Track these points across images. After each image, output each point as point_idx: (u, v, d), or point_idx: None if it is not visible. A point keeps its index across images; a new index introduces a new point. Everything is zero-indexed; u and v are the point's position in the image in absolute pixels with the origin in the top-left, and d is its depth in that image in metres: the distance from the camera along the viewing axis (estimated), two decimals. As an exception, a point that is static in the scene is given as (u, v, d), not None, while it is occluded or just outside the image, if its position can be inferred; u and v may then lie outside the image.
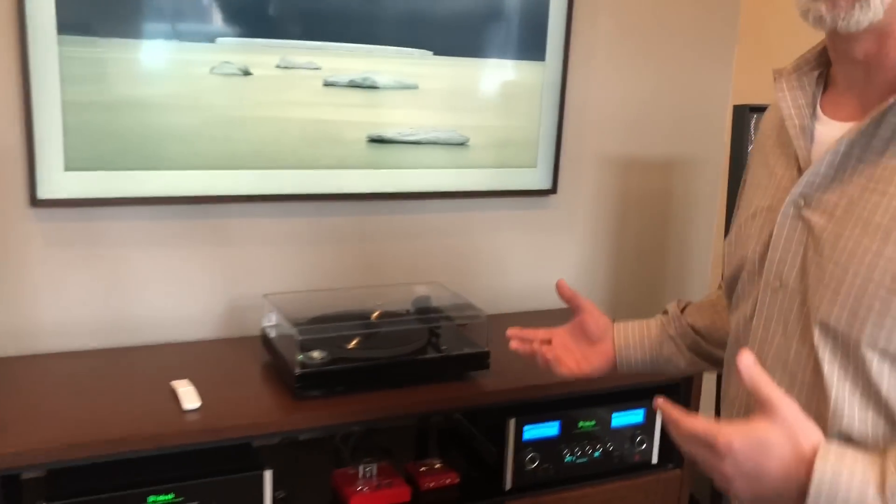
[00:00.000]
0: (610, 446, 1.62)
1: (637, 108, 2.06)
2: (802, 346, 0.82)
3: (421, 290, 1.71)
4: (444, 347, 1.52)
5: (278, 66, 1.67)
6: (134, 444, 1.23)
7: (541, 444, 1.55)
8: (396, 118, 1.79)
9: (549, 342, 1.17)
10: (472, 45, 1.83)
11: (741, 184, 1.04)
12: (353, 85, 1.74)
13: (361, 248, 1.82)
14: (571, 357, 1.15)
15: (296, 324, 1.43)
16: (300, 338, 1.39)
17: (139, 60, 1.55)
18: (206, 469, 1.30)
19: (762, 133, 0.99)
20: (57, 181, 1.53)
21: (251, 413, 1.33)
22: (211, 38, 1.60)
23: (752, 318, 0.89)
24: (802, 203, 0.83)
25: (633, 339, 1.17)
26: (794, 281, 0.83)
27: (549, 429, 1.56)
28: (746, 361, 0.74)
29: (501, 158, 1.92)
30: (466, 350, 1.53)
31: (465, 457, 1.64)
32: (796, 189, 0.83)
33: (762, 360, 0.85)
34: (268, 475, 1.33)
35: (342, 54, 1.72)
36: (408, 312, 1.64)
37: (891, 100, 0.76)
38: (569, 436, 1.58)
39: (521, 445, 1.54)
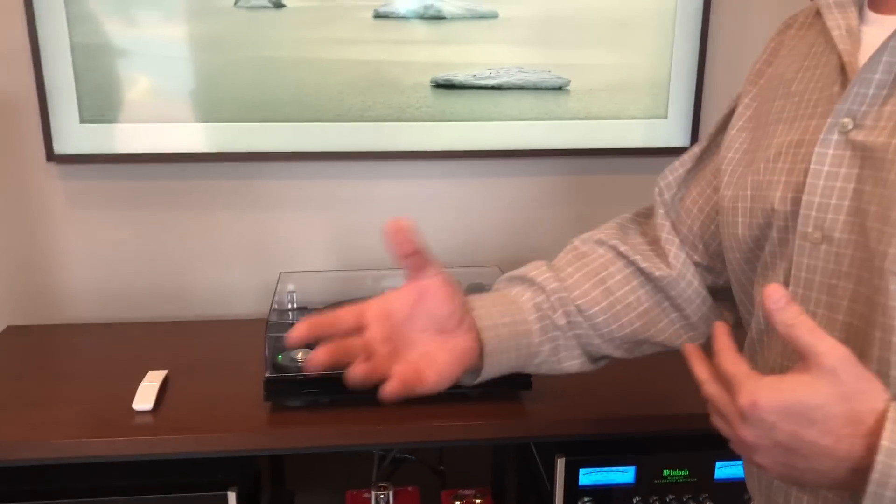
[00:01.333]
0: (710, 507, 1.18)
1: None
2: (856, 316, 0.62)
3: (475, 276, 1.36)
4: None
5: (317, -4, 1.37)
6: (73, 450, 1.04)
7: (605, 494, 1.16)
8: (470, 56, 1.43)
9: (360, 330, 0.72)
10: (573, -43, 1.40)
11: (722, 122, 0.84)
12: (413, 16, 1.40)
13: (424, 217, 1.49)
14: (402, 359, 0.72)
15: (282, 310, 1.16)
16: (270, 335, 1.11)
17: (154, -6, 1.34)
18: (158, 481, 1.09)
19: (776, 56, 0.79)
20: (73, 134, 1.38)
21: (209, 423, 1.09)
22: (234, -36, 1.35)
23: (786, 287, 0.67)
24: (851, 125, 0.63)
25: (505, 335, 0.80)
26: (842, 230, 0.63)
27: (619, 475, 1.16)
28: (776, 295, 0.56)
29: (616, 107, 1.49)
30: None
31: (520, 489, 1.29)
32: (842, 105, 0.63)
33: None
34: (231, 497, 1.09)
35: (397, -23, 1.38)
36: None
37: None
38: (649, 486, 1.16)
39: (577, 492, 1.16)
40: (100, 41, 1.34)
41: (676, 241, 0.87)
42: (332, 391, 1.11)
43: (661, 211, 0.88)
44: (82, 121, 1.38)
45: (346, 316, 0.72)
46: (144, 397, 1.12)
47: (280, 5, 1.37)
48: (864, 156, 0.62)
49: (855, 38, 0.66)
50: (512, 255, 1.51)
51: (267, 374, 1.09)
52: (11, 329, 1.41)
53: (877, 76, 0.62)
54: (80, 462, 1.05)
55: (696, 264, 0.86)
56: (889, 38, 0.61)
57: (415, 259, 0.73)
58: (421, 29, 1.41)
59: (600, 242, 0.89)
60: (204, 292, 1.48)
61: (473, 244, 1.52)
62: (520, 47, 1.43)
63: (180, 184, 1.44)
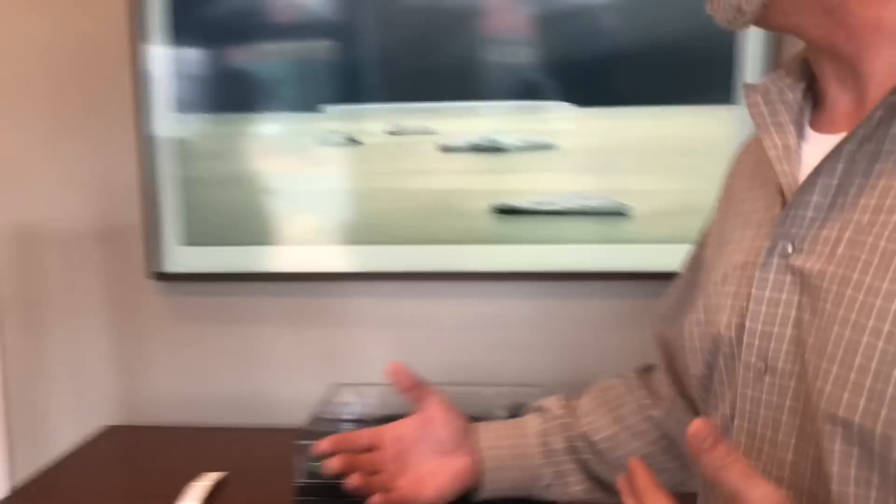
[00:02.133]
0: None
1: None
2: (803, 456, 0.57)
3: (521, 396, 1.37)
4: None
5: (389, 133, 1.52)
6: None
7: None
8: (529, 184, 1.51)
9: (370, 450, 0.89)
10: (629, 91, 1.47)
11: (697, 245, 0.87)
12: (475, 148, 1.51)
13: (474, 336, 1.54)
14: (406, 474, 0.84)
15: (328, 419, 1.24)
16: (302, 441, 1.18)
17: (250, 134, 1.53)
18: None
19: (733, 176, 0.79)
20: (175, 255, 1.57)
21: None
22: (318, 108, 1.52)
23: (732, 420, 0.64)
24: (790, 249, 0.60)
25: (505, 456, 0.86)
26: (784, 360, 0.59)
27: None
28: (702, 432, 0.50)
29: (679, 231, 1.49)
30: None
31: None
32: (780, 229, 0.61)
33: None
34: None
35: (460, 114, 1.50)
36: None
37: None
38: None
39: None
40: (204, 176, 1.54)
41: (667, 379, 0.88)
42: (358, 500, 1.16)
43: (658, 351, 0.90)
44: (186, 243, 1.57)
45: (365, 436, 0.90)
46: (191, 498, 1.21)
47: (356, 142, 1.52)
48: (803, 282, 0.59)
49: (794, 158, 0.64)
50: (570, 377, 1.51)
51: (297, 481, 1.16)
52: (110, 429, 1.57)
53: (814, 198, 0.59)
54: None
55: (686, 398, 0.86)
56: (825, 159, 0.58)
57: (415, 392, 0.89)
58: (482, 160, 1.51)
59: (620, 375, 0.93)
60: (283, 401, 1.58)
61: (531, 364, 1.55)
62: (578, 175, 1.50)
63: (267, 300, 1.58)
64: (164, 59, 1.51)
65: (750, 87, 0.67)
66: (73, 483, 1.33)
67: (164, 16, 1.50)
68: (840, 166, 0.57)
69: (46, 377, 1.62)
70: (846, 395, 0.52)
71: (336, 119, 1.51)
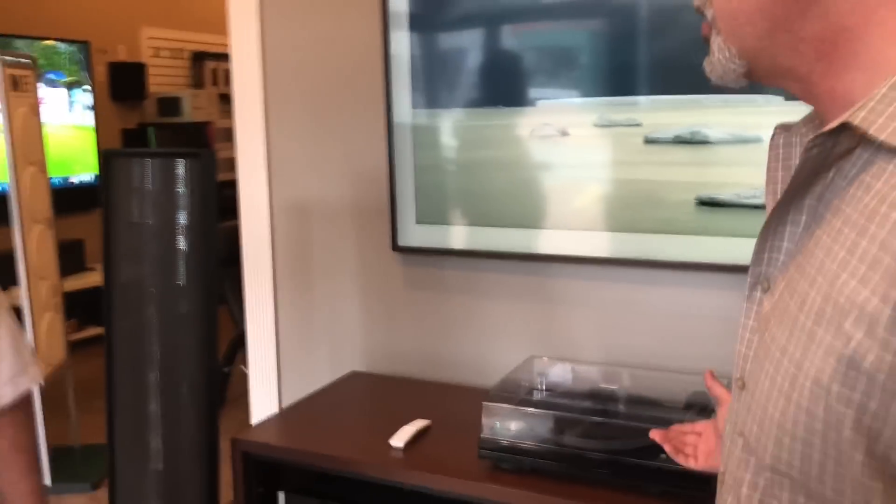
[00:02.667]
0: None
1: None
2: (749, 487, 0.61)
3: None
4: (663, 456, 1.25)
5: (596, 125, 1.61)
6: (337, 463, 1.42)
7: None
8: (733, 177, 1.51)
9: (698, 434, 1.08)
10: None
11: None
12: (679, 141, 1.55)
13: (671, 323, 1.59)
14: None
15: (500, 395, 1.39)
16: (488, 402, 1.35)
17: (473, 127, 1.72)
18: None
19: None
20: (411, 232, 1.82)
21: (434, 466, 1.37)
22: (532, 102, 1.66)
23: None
24: (766, 287, 0.63)
25: None
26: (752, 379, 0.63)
27: None
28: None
29: None
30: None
31: None
32: (756, 268, 0.64)
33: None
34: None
35: (665, 108, 1.55)
36: (665, 405, 1.39)
37: (826, 127, 0.54)
38: None
39: None
40: (433, 163, 1.76)
41: None
42: (535, 457, 1.31)
43: None
44: (418, 222, 1.81)
45: (695, 428, 1.11)
46: (400, 437, 1.44)
47: (565, 134, 1.64)
48: (761, 319, 0.62)
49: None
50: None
51: (482, 435, 1.34)
52: (354, 374, 1.87)
53: (784, 244, 0.61)
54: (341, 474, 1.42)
55: None
56: (786, 206, 0.59)
57: (714, 389, 1.04)
58: (686, 152, 1.54)
59: None
60: (487, 364, 1.77)
61: (723, 355, 1.56)
62: (786, 169, 1.47)
63: (483, 275, 1.77)
64: (406, 67, 1.74)
65: (780, 128, 0.68)
66: (322, 411, 1.65)
67: (408, 37, 1.73)
68: (804, 219, 0.59)
69: (309, 326, 1.97)
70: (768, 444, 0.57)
71: (548, 112, 1.64)
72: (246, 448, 1.50)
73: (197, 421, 1.66)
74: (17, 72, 2.75)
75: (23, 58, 2.85)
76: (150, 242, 1.57)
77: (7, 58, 2.67)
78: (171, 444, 1.68)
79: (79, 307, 3.96)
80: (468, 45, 1.70)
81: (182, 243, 1.55)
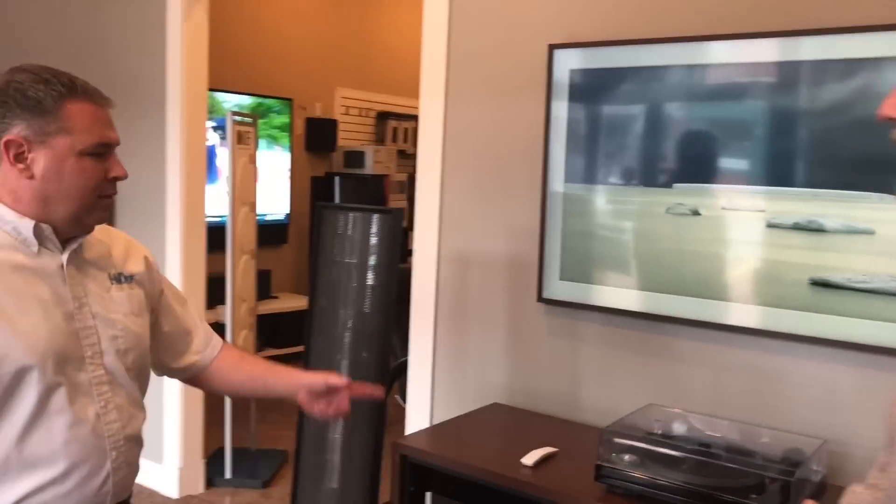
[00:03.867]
0: None
1: None
2: None
3: (803, 444, 1.59)
4: (753, 497, 1.45)
5: (724, 208, 1.85)
6: (476, 471, 1.72)
7: None
8: (846, 263, 1.70)
9: None
10: (955, 187, 1.58)
11: None
12: (798, 227, 1.76)
13: (777, 388, 1.77)
14: None
15: (618, 431, 1.64)
16: (605, 436, 1.60)
17: (615, 201, 2.00)
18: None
19: None
20: (555, 286, 2.12)
21: (556, 484, 1.64)
22: (669, 184, 1.92)
23: None
24: None
25: None
26: None
27: None
28: None
29: None
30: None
31: None
32: None
33: None
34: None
35: (787, 197, 1.77)
36: (760, 456, 1.58)
37: None
38: None
39: None
40: (579, 229, 2.06)
41: None
42: (642, 485, 1.55)
43: None
44: (561, 278, 2.10)
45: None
46: (531, 457, 1.73)
47: (697, 213, 1.89)
48: None
49: None
50: (853, 439, 1.67)
51: (598, 462, 1.60)
52: (495, 404, 2.18)
53: None
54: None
55: None
56: None
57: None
58: (803, 238, 1.75)
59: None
60: (608, 407, 2.02)
61: (816, 420, 1.73)
62: (893, 259, 1.65)
63: (614, 330, 2.03)
64: (562, 147, 2.06)
65: None
66: (466, 430, 1.97)
67: (566, 125, 2.06)
68: None
69: (460, 360, 2.30)
70: None
71: (682, 194, 1.90)
72: (403, 451, 1.83)
73: (366, 439, 2.01)
74: (242, 128, 3.33)
75: (247, 116, 3.43)
76: (346, 276, 1.97)
77: (236, 117, 3.25)
78: (346, 460, 2.05)
79: (263, 330, 4.53)
80: (614, 132, 1.99)
81: (371, 279, 1.93)
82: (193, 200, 3.05)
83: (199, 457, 3.24)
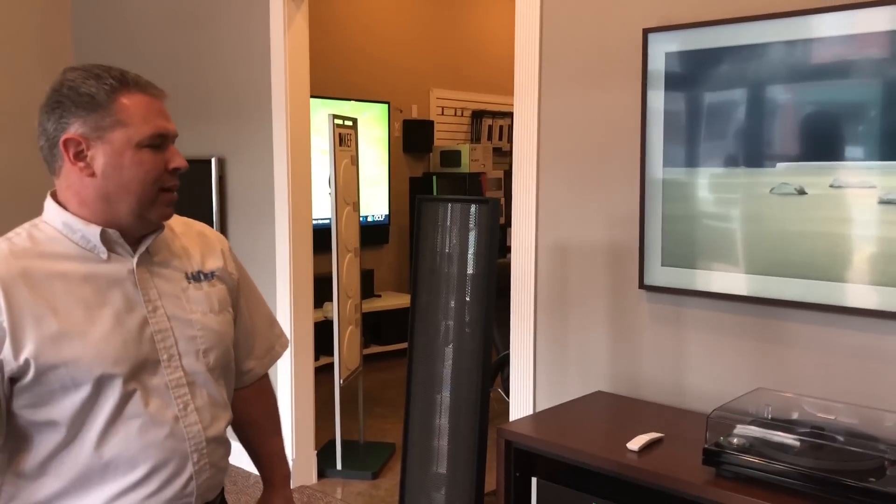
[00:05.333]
0: None
1: None
2: None
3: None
4: (872, 480, 1.41)
5: (832, 186, 1.79)
6: (581, 455, 1.74)
7: None
8: (968, 238, 1.62)
9: None
10: None
11: None
12: (913, 202, 1.69)
13: (893, 370, 1.70)
14: None
15: (728, 415, 1.62)
16: (711, 420, 1.58)
17: (717, 183, 1.97)
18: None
19: None
20: (656, 272, 2.10)
21: (665, 466, 1.63)
22: (772, 164, 1.88)
23: None
24: None
25: None
26: None
27: None
28: None
29: None
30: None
31: None
32: None
33: None
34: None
35: (901, 171, 1.70)
36: (875, 438, 1.52)
37: None
38: None
39: None
40: (679, 214, 2.03)
41: None
42: (751, 469, 1.52)
43: None
44: (663, 264, 2.08)
45: None
46: (636, 442, 1.72)
47: (803, 192, 1.83)
48: None
49: None
50: None
51: (705, 447, 1.58)
52: (598, 392, 2.18)
53: None
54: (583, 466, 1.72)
55: None
56: None
57: None
58: (920, 213, 1.68)
59: None
60: (713, 392, 1.98)
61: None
62: None
63: (719, 315, 2.00)
64: (659, 131, 2.05)
65: None
66: (570, 417, 1.98)
67: (662, 107, 2.04)
68: None
69: (562, 350, 2.31)
70: None
71: (787, 174, 1.85)
72: (508, 437, 1.86)
73: (471, 424, 2.06)
74: (343, 131, 3.44)
75: (347, 120, 3.54)
76: (447, 265, 2.03)
77: (337, 120, 3.36)
78: (453, 446, 2.10)
79: (367, 327, 4.65)
80: (713, 113, 1.96)
81: (471, 267, 1.98)
82: (300, 203, 3.18)
83: (312, 449, 3.37)
